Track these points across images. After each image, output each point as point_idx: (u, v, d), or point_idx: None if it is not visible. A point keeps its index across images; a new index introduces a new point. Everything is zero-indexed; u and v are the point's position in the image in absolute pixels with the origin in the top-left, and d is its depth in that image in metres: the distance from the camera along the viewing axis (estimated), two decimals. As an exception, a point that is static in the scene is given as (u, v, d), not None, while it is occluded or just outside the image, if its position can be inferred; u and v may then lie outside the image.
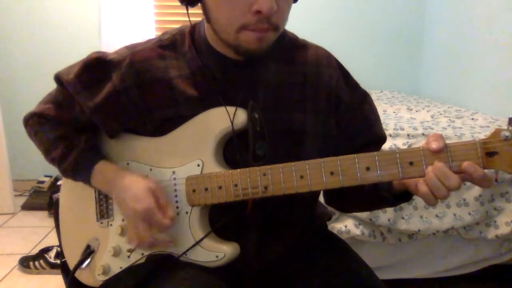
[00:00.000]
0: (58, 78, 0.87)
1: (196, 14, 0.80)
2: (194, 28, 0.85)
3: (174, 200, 0.80)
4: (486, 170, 0.64)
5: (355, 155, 0.69)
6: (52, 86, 0.91)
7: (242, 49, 0.75)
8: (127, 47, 0.86)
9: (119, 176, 0.81)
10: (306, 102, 0.83)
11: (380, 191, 0.78)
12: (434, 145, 0.64)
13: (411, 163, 0.66)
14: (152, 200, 0.76)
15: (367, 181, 0.68)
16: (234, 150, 0.80)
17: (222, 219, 0.80)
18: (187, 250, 0.79)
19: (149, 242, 0.78)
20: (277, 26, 0.73)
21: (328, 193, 0.98)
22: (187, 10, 0.80)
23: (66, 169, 0.85)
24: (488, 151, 0.63)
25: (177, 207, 0.80)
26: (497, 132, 0.63)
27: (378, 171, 0.68)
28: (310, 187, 0.71)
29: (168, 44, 0.84)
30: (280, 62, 0.84)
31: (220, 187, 0.76)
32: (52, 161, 0.87)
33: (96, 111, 0.83)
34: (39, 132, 0.87)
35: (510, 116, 0.64)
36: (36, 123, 0.88)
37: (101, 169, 0.83)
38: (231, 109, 0.78)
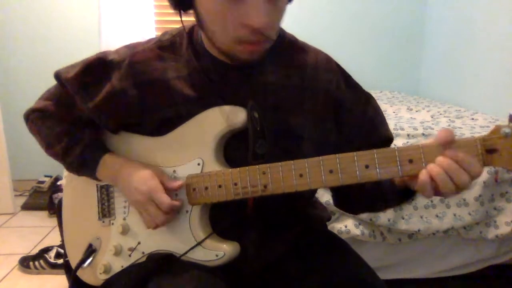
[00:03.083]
0: (57, 77, 0.87)
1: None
2: (192, 30, 0.86)
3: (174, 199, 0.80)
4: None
5: (354, 153, 0.69)
6: (52, 85, 0.92)
7: (236, 58, 0.76)
8: (127, 47, 0.86)
9: (126, 166, 0.82)
10: (303, 105, 0.83)
11: (383, 190, 0.78)
12: (446, 136, 0.63)
13: (410, 161, 0.66)
14: (157, 181, 0.78)
15: (367, 179, 0.68)
16: (234, 149, 0.80)
17: (224, 220, 0.80)
18: (188, 250, 0.79)
19: (162, 222, 0.78)
20: (269, 37, 0.73)
21: (337, 196, 0.97)
22: (180, 15, 0.79)
23: (71, 163, 0.86)
24: (487, 148, 0.63)
25: (178, 206, 0.81)
26: (497, 129, 0.63)
27: (377, 169, 0.68)
28: (309, 185, 0.71)
29: (167, 45, 0.85)
30: (278, 64, 0.84)
31: (220, 186, 0.76)
32: (55, 155, 0.88)
33: (95, 110, 0.83)
34: (41, 127, 0.88)
35: (511, 113, 0.63)
36: (37, 118, 0.89)
37: (107, 162, 0.84)
38: (231, 108, 0.78)
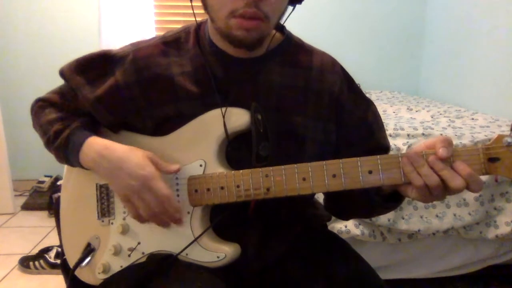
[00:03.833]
0: (61, 72, 0.88)
1: (201, 14, 0.81)
2: (200, 26, 0.86)
3: (175, 200, 0.80)
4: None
5: (358, 158, 0.69)
6: (52, 85, 0.92)
7: (232, 36, 0.75)
8: (132, 44, 0.88)
9: (111, 150, 0.78)
10: (307, 106, 0.83)
11: (370, 195, 0.79)
12: (445, 153, 0.64)
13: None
14: (153, 168, 0.75)
15: (369, 184, 0.68)
16: (236, 150, 0.81)
17: (223, 213, 0.80)
18: (186, 247, 0.79)
19: (157, 210, 0.75)
20: (266, 15, 0.73)
21: (328, 200, 0.98)
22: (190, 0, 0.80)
23: (58, 148, 0.83)
24: (490, 157, 0.64)
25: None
26: (499, 138, 0.64)
27: (380, 175, 0.68)
28: (312, 189, 0.71)
29: (172, 41, 0.86)
30: (283, 65, 0.84)
31: (222, 188, 0.76)
32: (47, 142, 0.85)
33: (95, 103, 0.84)
34: (40, 115, 0.88)
35: None
36: (39, 107, 0.89)
37: (91, 144, 0.80)
38: (235, 110, 0.78)
